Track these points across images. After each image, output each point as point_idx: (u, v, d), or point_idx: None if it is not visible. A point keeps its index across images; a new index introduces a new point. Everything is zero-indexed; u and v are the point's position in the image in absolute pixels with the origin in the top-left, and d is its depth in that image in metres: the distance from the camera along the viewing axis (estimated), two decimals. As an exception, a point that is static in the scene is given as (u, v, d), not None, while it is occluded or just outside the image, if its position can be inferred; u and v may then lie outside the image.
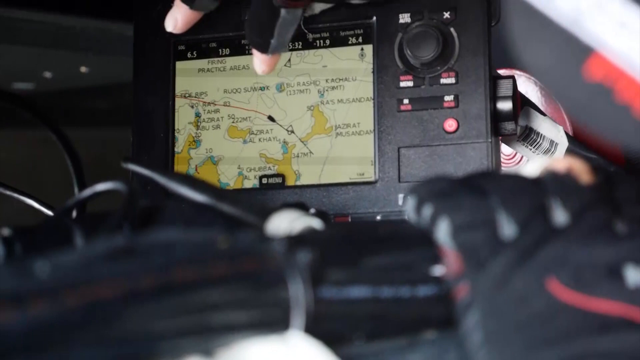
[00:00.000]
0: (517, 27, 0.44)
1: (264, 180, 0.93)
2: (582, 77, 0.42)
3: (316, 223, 0.55)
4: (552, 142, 0.98)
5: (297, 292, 0.44)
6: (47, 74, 1.36)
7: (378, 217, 0.89)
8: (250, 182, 0.93)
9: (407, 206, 0.51)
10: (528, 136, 0.98)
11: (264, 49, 0.85)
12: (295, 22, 0.84)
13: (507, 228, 0.47)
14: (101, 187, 0.61)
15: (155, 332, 0.41)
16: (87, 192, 0.63)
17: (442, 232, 0.48)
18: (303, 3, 0.83)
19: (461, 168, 0.88)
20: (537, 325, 0.45)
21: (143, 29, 0.98)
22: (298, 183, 0.92)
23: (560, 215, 0.48)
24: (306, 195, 0.91)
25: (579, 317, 0.45)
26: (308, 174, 0.92)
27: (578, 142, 0.99)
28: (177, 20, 0.89)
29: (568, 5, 0.41)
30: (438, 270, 0.49)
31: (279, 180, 0.93)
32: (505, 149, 1.02)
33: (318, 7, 0.88)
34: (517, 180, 0.50)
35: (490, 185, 0.50)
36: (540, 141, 0.98)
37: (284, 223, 0.55)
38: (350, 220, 0.89)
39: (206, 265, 0.43)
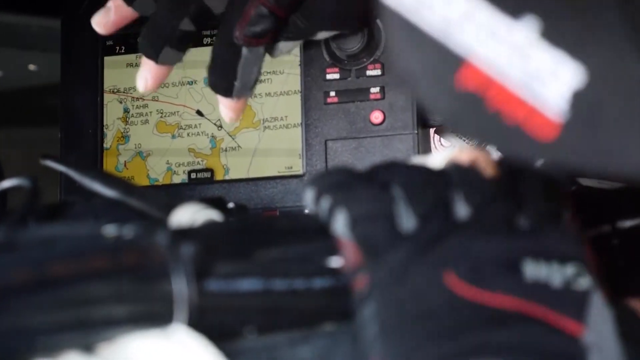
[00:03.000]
0: (392, 35, 0.44)
1: (193, 175, 0.92)
2: (454, 87, 0.42)
3: (217, 216, 0.54)
4: (485, 133, 0.98)
5: (180, 286, 0.43)
6: (-3, 73, 1.35)
7: (306, 211, 0.88)
8: (179, 177, 0.93)
9: (307, 198, 0.50)
10: (461, 128, 0.98)
11: (228, 93, 0.81)
12: (257, 62, 0.81)
13: (407, 221, 0.47)
14: (7, 183, 0.60)
15: (32, 327, 0.40)
16: (-6, 189, 0.62)
17: (340, 223, 0.48)
18: (265, 41, 0.81)
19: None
20: (433, 319, 0.45)
21: (70, 24, 0.97)
22: (227, 177, 0.91)
23: (461, 209, 0.47)
24: (235, 190, 0.90)
25: (474, 311, 0.45)
26: (237, 169, 0.91)
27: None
28: (147, 79, 0.83)
29: (437, 16, 0.41)
30: (335, 262, 0.48)
31: (207, 175, 0.92)
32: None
33: (285, 47, 0.83)
34: (420, 172, 0.49)
35: (392, 176, 0.49)
36: (474, 133, 0.98)
37: (186, 216, 0.54)
38: (278, 214, 0.89)
39: (85, 259, 0.42)
